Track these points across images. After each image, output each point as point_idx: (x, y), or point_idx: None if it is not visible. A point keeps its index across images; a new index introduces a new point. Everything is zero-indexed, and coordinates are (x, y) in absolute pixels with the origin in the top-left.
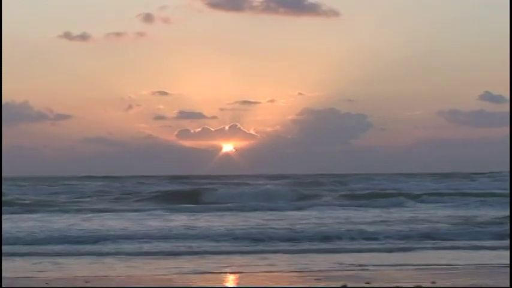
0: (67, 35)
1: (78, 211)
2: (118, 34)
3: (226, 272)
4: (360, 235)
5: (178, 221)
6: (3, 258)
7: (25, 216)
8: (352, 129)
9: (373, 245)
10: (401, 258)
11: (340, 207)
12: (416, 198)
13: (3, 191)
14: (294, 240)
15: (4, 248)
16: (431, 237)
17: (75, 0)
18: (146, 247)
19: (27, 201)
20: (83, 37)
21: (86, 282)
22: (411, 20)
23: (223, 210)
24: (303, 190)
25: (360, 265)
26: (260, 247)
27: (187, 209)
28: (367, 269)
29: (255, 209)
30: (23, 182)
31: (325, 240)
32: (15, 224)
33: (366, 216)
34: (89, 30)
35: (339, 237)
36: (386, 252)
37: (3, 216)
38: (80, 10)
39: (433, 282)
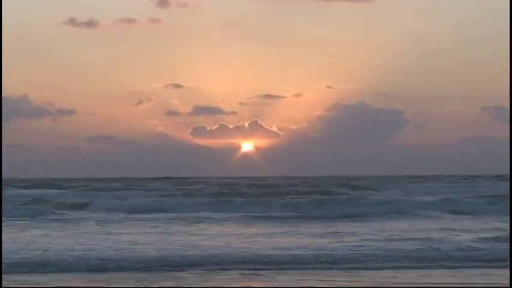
0: (72, 22)
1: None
2: (129, 20)
3: None
4: None
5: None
6: None
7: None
8: (386, 126)
9: None
10: None
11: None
12: None
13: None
14: None
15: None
16: None
17: None
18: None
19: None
20: (90, 24)
21: None
22: (455, 6)
23: None
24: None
25: None
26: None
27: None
28: None
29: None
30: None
31: None
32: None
33: None
34: (96, 16)
35: None
36: None
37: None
38: None
39: None
